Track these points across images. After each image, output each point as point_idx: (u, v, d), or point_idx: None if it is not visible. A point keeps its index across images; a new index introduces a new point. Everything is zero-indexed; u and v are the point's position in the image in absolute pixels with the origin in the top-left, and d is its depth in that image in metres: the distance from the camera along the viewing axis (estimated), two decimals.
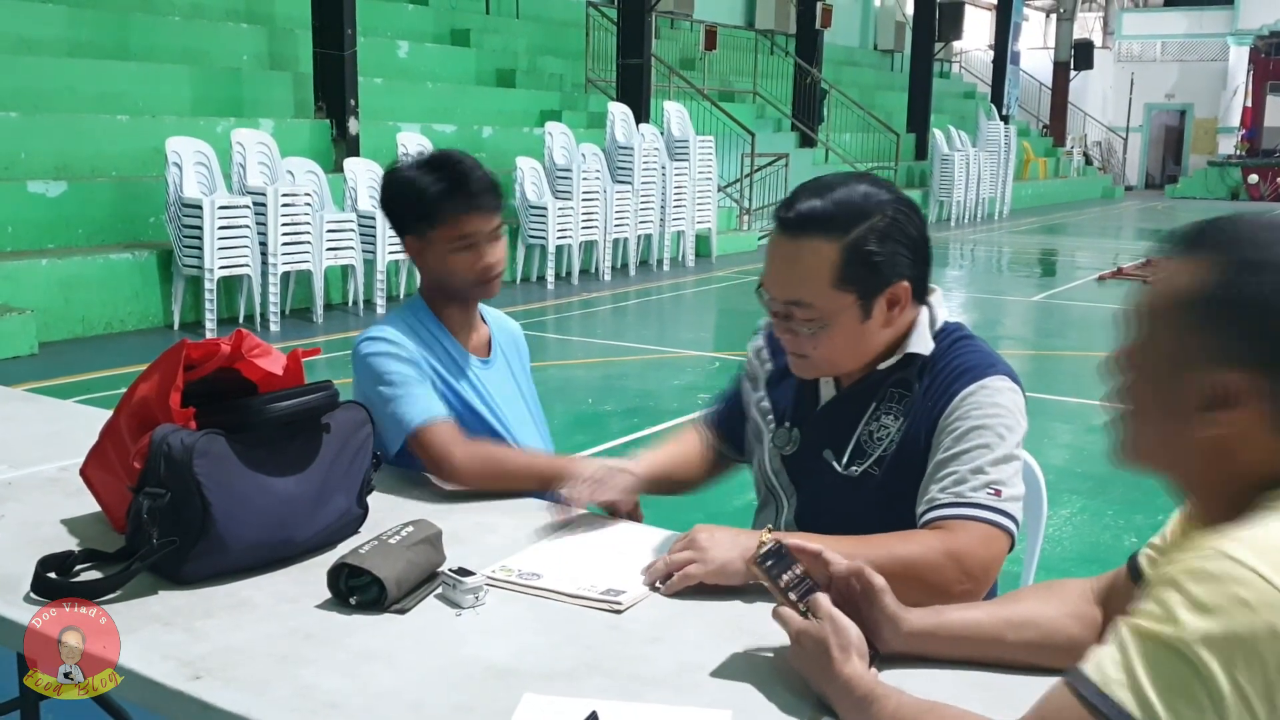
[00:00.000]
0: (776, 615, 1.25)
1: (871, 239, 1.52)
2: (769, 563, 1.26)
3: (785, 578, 1.26)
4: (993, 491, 1.50)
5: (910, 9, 20.63)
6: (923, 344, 1.61)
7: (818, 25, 16.44)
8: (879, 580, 1.29)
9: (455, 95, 11.67)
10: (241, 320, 7.67)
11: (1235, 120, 28.25)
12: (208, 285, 7.33)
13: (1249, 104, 27.75)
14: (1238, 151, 27.29)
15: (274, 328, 7.62)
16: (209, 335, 7.03)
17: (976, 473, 1.50)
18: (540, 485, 1.85)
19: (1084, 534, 4.05)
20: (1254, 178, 25.53)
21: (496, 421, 2.07)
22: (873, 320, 1.57)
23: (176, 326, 7.51)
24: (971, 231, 16.71)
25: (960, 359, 1.60)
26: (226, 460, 1.49)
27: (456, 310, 2.09)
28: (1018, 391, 1.60)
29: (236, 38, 10.23)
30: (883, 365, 1.62)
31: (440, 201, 1.97)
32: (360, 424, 1.68)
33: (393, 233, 8.24)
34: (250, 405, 1.54)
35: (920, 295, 1.61)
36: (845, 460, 1.64)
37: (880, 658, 1.27)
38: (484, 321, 2.18)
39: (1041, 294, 10.78)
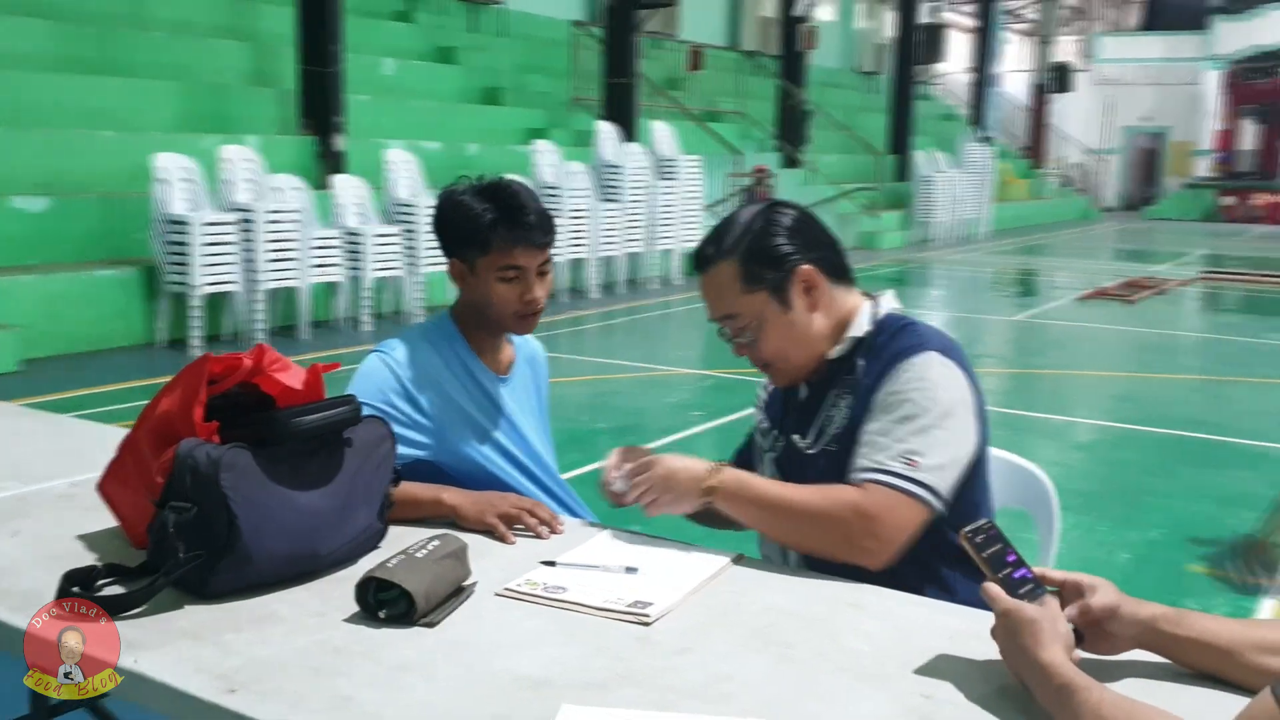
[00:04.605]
0: (984, 590, 1.27)
1: (756, 242, 1.76)
2: (978, 538, 1.29)
3: (990, 553, 1.28)
4: (908, 461, 1.61)
5: (890, 31, 20.79)
6: (860, 328, 1.77)
7: (800, 47, 16.57)
8: (1087, 581, 1.30)
9: (441, 113, 11.68)
10: (224, 338, 7.63)
11: (1211, 143, 28.59)
12: (193, 302, 7.30)
13: (1223, 127, 28.10)
14: (1212, 174, 27.61)
15: None
16: (194, 353, 6.99)
17: (897, 441, 1.63)
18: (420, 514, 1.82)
19: (1076, 550, 4.07)
20: (1228, 199, 25.85)
21: (516, 434, 2.08)
22: (795, 309, 1.76)
23: (161, 344, 7.47)
24: (952, 252, 16.81)
25: (898, 342, 1.73)
26: (252, 474, 1.49)
27: (485, 335, 2.07)
28: (950, 365, 1.70)
29: (222, 54, 10.22)
30: (832, 355, 1.78)
31: (492, 229, 1.94)
32: (381, 439, 1.68)
33: (379, 250, 8.14)
34: (276, 419, 1.54)
35: (836, 274, 1.79)
36: (809, 440, 1.79)
37: (1082, 642, 1.27)
38: (509, 341, 2.15)
39: (1022, 313, 10.86)
